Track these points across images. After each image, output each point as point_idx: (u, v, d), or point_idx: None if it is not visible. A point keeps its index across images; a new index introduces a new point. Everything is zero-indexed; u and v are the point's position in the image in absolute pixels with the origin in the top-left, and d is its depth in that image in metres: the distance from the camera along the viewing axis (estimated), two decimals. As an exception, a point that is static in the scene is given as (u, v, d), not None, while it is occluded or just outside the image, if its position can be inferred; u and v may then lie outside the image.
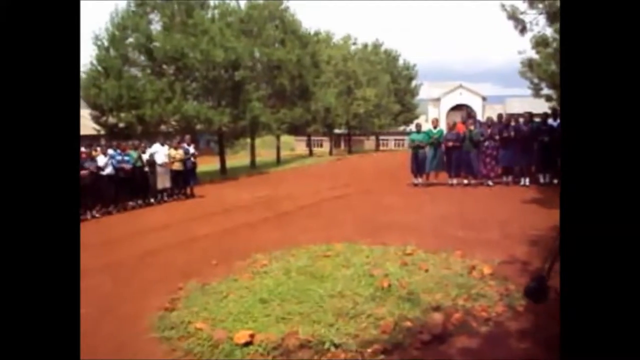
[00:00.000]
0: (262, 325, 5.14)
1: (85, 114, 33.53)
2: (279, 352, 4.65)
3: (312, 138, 48.35)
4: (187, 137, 17.98)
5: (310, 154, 44.46)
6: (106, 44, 23.55)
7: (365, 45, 52.52)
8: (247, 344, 4.77)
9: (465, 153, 15.27)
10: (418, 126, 16.75)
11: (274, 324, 5.15)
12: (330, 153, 48.54)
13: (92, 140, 16.66)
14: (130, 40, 23.75)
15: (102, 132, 23.69)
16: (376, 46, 54.72)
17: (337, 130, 50.04)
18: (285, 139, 41.19)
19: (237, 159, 33.86)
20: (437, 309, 5.37)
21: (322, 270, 6.80)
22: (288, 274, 6.75)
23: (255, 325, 5.13)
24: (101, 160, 14.11)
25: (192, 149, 16.99)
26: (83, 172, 13.40)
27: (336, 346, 4.66)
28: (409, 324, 5.00)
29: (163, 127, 23.37)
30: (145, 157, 15.45)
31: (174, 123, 23.52)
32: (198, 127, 24.02)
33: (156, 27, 24.17)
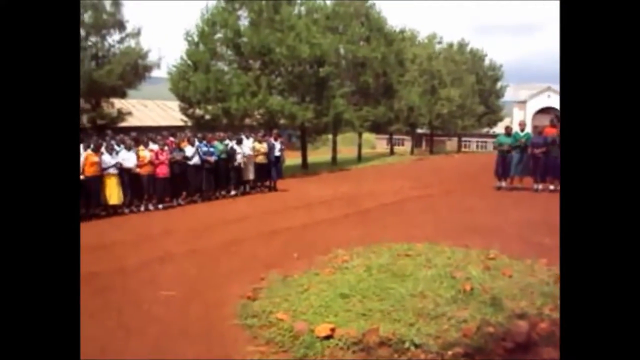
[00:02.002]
0: (343, 320, 5.15)
1: (174, 105, 34.88)
2: (358, 348, 4.66)
3: (394, 137, 48.01)
4: (275, 131, 18.22)
5: (392, 152, 44.16)
6: (196, 39, 24.30)
7: (451, 45, 51.66)
8: (328, 337, 4.80)
9: (553, 158, 14.60)
10: (508, 129, 16.28)
11: (355, 320, 5.15)
12: (412, 152, 48.07)
13: (178, 130, 17.11)
14: (219, 35, 24.36)
15: (189, 123, 24.42)
16: (462, 45, 53.69)
17: (419, 130, 49.50)
18: (366, 136, 41.12)
19: (318, 154, 34.12)
20: (521, 316, 5.19)
21: (404, 269, 6.73)
22: (369, 270, 6.73)
23: (335, 320, 5.15)
24: (189, 150, 14.56)
25: (278, 144, 17.23)
26: (172, 161, 13.92)
27: (416, 346, 4.61)
28: (491, 329, 4.87)
29: (247, 121, 23.81)
30: (236, 148, 15.81)
31: (258, 117, 23.93)
32: (282, 121, 24.34)
33: (244, 22, 24.68)
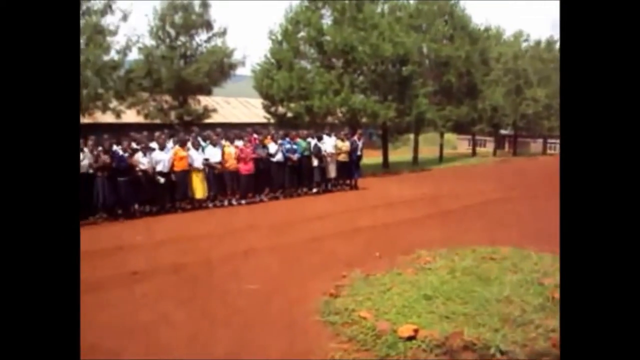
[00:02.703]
0: (426, 321, 5.09)
1: (256, 103, 35.54)
2: (442, 351, 4.59)
3: (476, 137, 46.94)
4: (359, 131, 18.24)
5: (474, 153, 43.19)
6: (279, 38, 24.61)
7: (538, 42, 49.74)
8: (411, 338, 4.75)
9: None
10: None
11: (438, 322, 5.08)
12: (494, 154, 46.79)
13: (261, 128, 17.39)
14: (302, 34, 24.56)
15: (272, 120, 24.80)
16: (550, 43, 51.60)
17: (502, 131, 48.14)
18: (448, 137, 40.34)
19: (398, 154, 33.81)
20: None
21: (488, 273, 6.59)
22: (452, 273, 6.63)
23: (418, 321, 5.09)
24: (272, 147, 14.80)
25: (359, 142, 17.24)
26: (255, 158, 14.20)
27: (502, 353, 4.49)
28: (582, 340, 4.69)
29: (329, 119, 23.92)
30: (319, 146, 15.95)
31: (340, 115, 24.00)
32: (363, 120, 24.31)
33: (327, 21, 24.77)
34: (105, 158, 11.78)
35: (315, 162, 15.90)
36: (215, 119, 26.12)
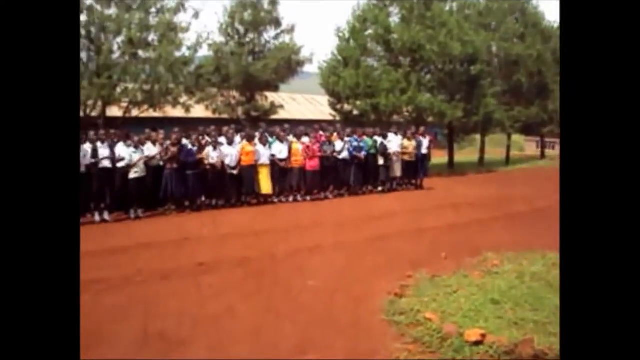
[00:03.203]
0: (494, 326, 4.97)
1: (321, 100, 35.65)
2: (510, 358, 4.47)
3: (545, 139, 45.57)
4: (422, 129, 18.02)
5: (542, 156, 41.91)
6: (347, 35, 24.58)
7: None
8: (478, 343, 4.65)
9: None
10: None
11: (506, 328, 4.95)
12: (564, 156, 45.28)
13: (327, 124, 17.40)
14: (370, 32, 24.43)
15: (337, 118, 24.82)
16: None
17: (574, 133, 46.45)
18: (515, 138, 39.23)
19: (463, 154, 33.26)
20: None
21: (559, 280, 6.38)
22: (521, 277, 6.44)
23: (486, 325, 4.98)
24: (338, 144, 14.82)
25: (426, 142, 17.05)
26: (322, 156, 14.25)
27: (575, 364, 4.34)
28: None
29: (395, 117, 23.74)
30: (385, 144, 15.87)
31: (406, 114, 23.78)
32: (430, 119, 24.00)
33: (395, 19, 24.58)
34: (174, 151, 12.06)
35: (381, 161, 15.81)
36: (281, 115, 26.40)
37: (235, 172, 12.97)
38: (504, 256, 7.60)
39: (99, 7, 18.88)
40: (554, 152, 51.62)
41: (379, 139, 15.94)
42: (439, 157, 27.89)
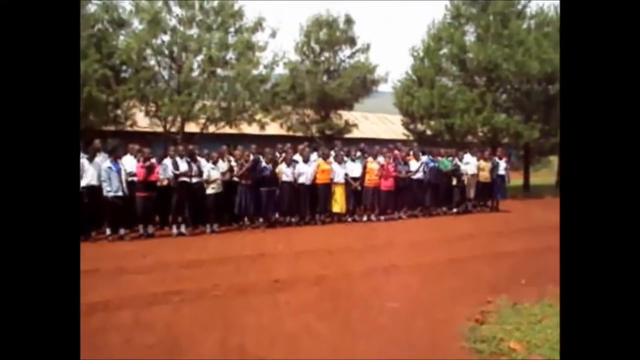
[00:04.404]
0: (585, 360, 4.74)
1: (393, 119, 35.49)
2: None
3: (627, 162, 43.76)
4: (500, 150, 17.66)
5: (624, 179, 40.19)
6: (421, 54, 24.42)
7: None
8: (567, 376, 4.44)
9: None
10: None
11: (597, 362, 4.71)
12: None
13: (400, 144, 17.24)
14: (444, 51, 24.17)
15: (411, 137, 24.64)
16: None
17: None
18: (595, 160, 37.77)
19: (538, 176, 32.21)
20: None
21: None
22: (610, 309, 6.14)
23: (576, 358, 4.76)
24: (413, 164, 14.67)
25: (502, 163, 16.68)
26: (397, 175, 14.14)
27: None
28: None
29: (469, 137, 23.35)
30: (460, 165, 15.64)
31: (480, 134, 23.34)
32: (505, 140, 23.45)
33: (470, 38, 24.21)
34: (248, 167, 12.22)
35: (455, 182, 15.54)
36: (354, 133, 26.43)
37: (309, 190, 13.04)
38: (590, 286, 7.27)
39: (181, 28, 19.59)
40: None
41: (455, 160, 15.67)
42: (513, 179, 27.08)
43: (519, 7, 24.26)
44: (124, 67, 19.10)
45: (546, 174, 32.95)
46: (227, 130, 21.28)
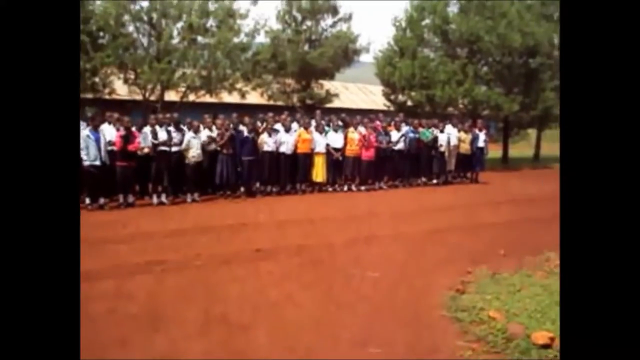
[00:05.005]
0: (562, 329, 4.84)
1: (374, 89, 35.39)
2: (580, 363, 4.35)
3: (604, 135, 44.30)
4: (480, 122, 17.75)
5: (601, 152, 40.69)
6: (404, 25, 24.27)
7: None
8: (546, 346, 4.53)
9: None
10: None
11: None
12: (624, 153, 43.96)
13: (380, 114, 17.18)
14: (427, 22, 24.04)
15: (392, 108, 24.62)
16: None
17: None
18: (572, 133, 38.06)
19: (516, 149, 32.51)
20: None
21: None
22: (587, 279, 6.26)
23: (553, 328, 4.83)
24: (394, 135, 14.69)
25: (482, 135, 16.76)
26: (378, 146, 14.16)
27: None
28: None
29: (450, 109, 23.39)
30: (442, 137, 15.68)
31: (461, 106, 23.40)
32: (485, 112, 23.55)
33: (453, 9, 24.11)
34: (229, 136, 12.14)
35: (435, 153, 15.61)
36: (335, 103, 26.33)
37: (289, 159, 13.02)
38: (567, 256, 7.41)
39: (161, -7, 19.18)
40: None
41: (435, 131, 15.71)
42: (492, 151, 27.32)
43: (502, -22, 24.13)
44: (101, 34, 18.60)
45: (524, 146, 33.25)
46: (208, 99, 21.03)
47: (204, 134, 12.10)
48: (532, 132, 31.56)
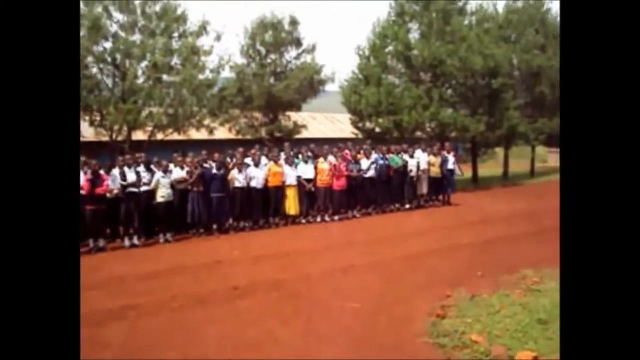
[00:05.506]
0: (545, 348, 4.85)
1: (341, 118, 35.62)
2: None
3: (569, 150, 45.20)
4: (448, 144, 17.95)
5: (567, 167, 41.43)
6: (367, 53, 24.56)
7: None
8: (529, 365, 4.54)
9: None
10: None
11: (557, 349, 4.80)
12: (589, 167, 44.87)
13: (348, 142, 17.20)
14: (390, 49, 24.34)
15: (360, 135, 24.76)
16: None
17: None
18: (537, 150, 38.85)
19: (485, 168, 32.95)
20: None
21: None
22: (565, 295, 6.29)
23: (536, 347, 4.87)
24: (364, 163, 14.73)
25: (451, 157, 16.92)
26: (349, 175, 14.18)
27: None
28: None
29: (418, 133, 23.61)
30: (410, 161, 15.75)
31: (429, 129, 23.66)
32: (453, 134, 23.85)
33: (414, 35, 24.49)
34: (198, 173, 12.03)
35: (406, 178, 15.69)
36: (303, 134, 26.41)
37: (261, 194, 12.95)
38: (542, 272, 7.49)
39: (123, 34, 19.12)
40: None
41: (405, 156, 15.80)
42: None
43: (460, 4, 24.73)
44: (65, 76, 18.47)
45: (493, 165, 33.73)
46: (176, 136, 20.93)
47: (174, 172, 11.98)
48: (500, 151, 32.02)
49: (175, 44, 19.95)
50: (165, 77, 19.67)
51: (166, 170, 11.74)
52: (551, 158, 54.83)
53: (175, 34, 20.16)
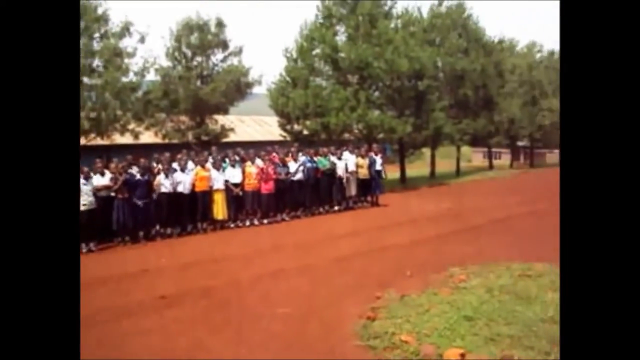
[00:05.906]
0: (471, 344, 4.92)
1: (269, 120, 35.53)
2: (492, 376, 4.43)
3: (492, 150, 46.74)
4: (376, 146, 18.17)
5: (491, 166, 42.91)
6: (295, 55, 24.59)
7: (552, 53, 49.44)
8: (458, 362, 4.60)
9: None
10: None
11: (484, 345, 4.91)
12: (511, 166, 46.63)
13: (276, 145, 17.21)
14: (317, 51, 24.49)
15: (288, 138, 24.74)
16: (564, 53, 51.25)
17: (519, 143, 47.99)
18: (462, 150, 40.06)
19: (413, 168, 33.67)
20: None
21: (527, 291, 6.41)
22: (490, 292, 6.45)
23: (463, 344, 4.93)
24: (292, 166, 14.70)
25: (379, 159, 17.12)
26: (277, 178, 14.10)
27: (556, 377, 4.33)
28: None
29: (346, 135, 23.83)
30: (338, 164, 15.80)
31: (356, 131, 23.91)
32: (380, 135, 24.21)
33: (341, 38, 24.74)
34: (122, 180, 11.66)
35: (335, 180, 15.76)
36: (231, 138, 26.15)
37: (188, 199, 12.69)
38: (469, 270, 7.64)
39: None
40: (501, 161, 52.92)
41: (333, 158, 15.88)
42: (390, 173, 28.05)
43: (386, 7, 25.13)
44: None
45: (420, 165, 34.47)
46: (99, 141, 20.26)
47: (95, 179, 11.53)
48: (427, 151, 32.78)
49: (96, 45, 19.32)
50: (86, 79, 18.98)
51: (87, 177, 11.30)
52: (475, 157, 56.61)
53: (97, 35, 19.50)
